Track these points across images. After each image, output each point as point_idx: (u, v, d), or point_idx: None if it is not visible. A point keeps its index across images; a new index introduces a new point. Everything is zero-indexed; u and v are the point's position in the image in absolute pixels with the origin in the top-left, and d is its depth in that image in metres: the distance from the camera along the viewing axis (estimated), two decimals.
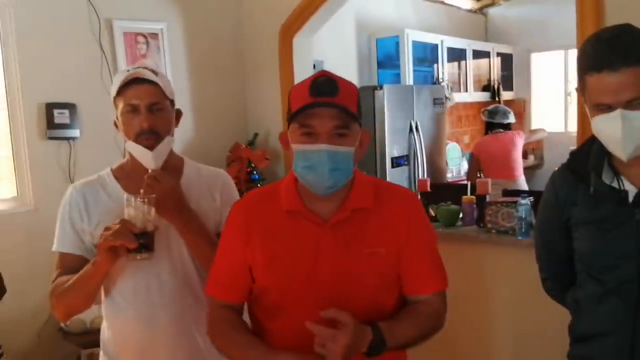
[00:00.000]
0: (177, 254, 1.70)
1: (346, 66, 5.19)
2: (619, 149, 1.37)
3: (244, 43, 4.36)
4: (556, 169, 1.65)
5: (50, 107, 3.27)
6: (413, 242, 1.43)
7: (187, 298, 1.71)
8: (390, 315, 1.41)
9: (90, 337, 3.27)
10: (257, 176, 4.13)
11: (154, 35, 3.79)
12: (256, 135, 4.28)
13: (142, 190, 1.58)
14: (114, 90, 1.66)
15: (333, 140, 1.32)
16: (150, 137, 1.63)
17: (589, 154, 1.50)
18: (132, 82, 1.62)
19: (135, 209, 1.50)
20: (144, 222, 1.49)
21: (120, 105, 1.64)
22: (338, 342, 1.24)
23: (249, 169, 4.13)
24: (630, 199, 1.42)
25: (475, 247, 3.17)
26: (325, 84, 1.33)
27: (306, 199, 1.42)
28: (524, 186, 5.03)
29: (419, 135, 4.80)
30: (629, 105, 1.32)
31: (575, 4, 3.03)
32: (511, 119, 5.14)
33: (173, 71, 3.83)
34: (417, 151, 4.80)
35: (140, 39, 3.72)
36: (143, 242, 1.48)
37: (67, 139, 3.36)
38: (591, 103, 1.39)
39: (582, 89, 1.42)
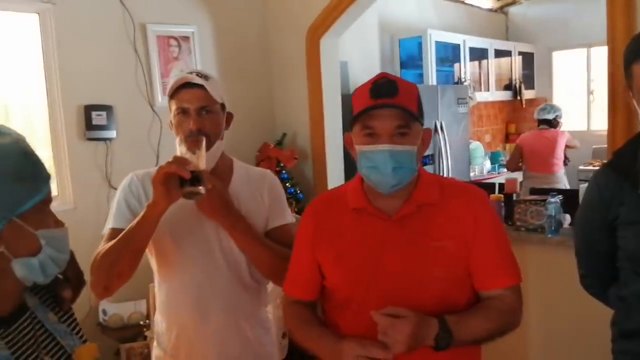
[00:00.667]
0: (228, 249, 1.76)
1: (369, 67, 5.24)
2: None
3: (270, 45, 4.44)
4: (598, 168, 1.67)
5: (88, 109, 3.37)
6: (480, 236, 1.44)
7: (237, 291, 1.78)
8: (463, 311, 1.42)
9: (128, 332, 3.38)
10: (285, 175, 4.19)
11: (185, 39, 3.88)
12: (284, 135, 4.35)
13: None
14: (168, 94, 1.74)
15: (394, 139, 1.36)
16: (199, 139, 1.68)
17: (636, 153, 1.51)
18: (183, 86, 1.70)
19: (187, 149, 1.56)
20: (195, 160, 1.54)
21: (173, 107, 1.72)
22: (400, 331, 1.27)
23: (277, 169, 4.19)
24: None
25: None
26: (385, 86, 1.38)
27: (372, 197, 1.47)
28: (563, 180, 5.19)
29: (444, 134, 4.85)
30: None
31: (603, 2, 3.04)
32: (543, 115, 5.25)
33: None
34: (442, 151, 4.85)
35: (173, 42, 3.81)
36: (195, 175, 1.51)
37: (104, 139, 3.45)
38: None
39: (629, 83, 1.45)
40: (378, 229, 1.44)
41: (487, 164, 6.35)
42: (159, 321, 1.86)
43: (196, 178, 1.52)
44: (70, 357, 1.16)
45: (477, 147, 6.17)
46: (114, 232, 1.68)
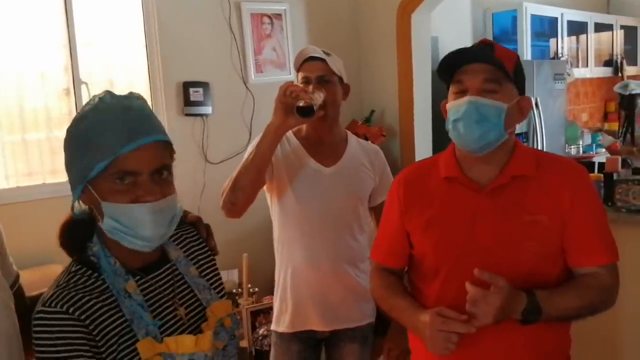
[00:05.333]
0: (345, 208, 2.03)
1: (460, 42, 5.09)
2: None
3: (361, 21, 4.42)
4: None
5: (186, 86, 3.51)
6: (577, 211, 1.40)
7: (345, 244, 2.04)
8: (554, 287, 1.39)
9: None
10: None
11: (278, 16, 3.95)
12: (372, 112, 4.35)
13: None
14: (295, 66, 2.05)
15: (482, 94, 1.36)
16: (322, 90, 1.94)
17: None
18: (309, 60, 1.99)
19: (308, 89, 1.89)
20: (313, 98, 1.82)
21: (299, 77, 2.02)
22: (490, 303, 1.27)
23: None
24: None
25: None
26: (482, 45, 1.41)
27: (464, 166, 1.46)
28: None
29: (539, 111, 4.67)
30: None
31: None
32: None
33: (294, 50, 3.97)
34: (537, 128, 4.68)
35: (266, 19, 3.89)
36: (309, 104, 1.78)
37: (201, 115, 3.59)
38: None
39: None
40: (470, 199, 1.43)
41: (584, 143, 6.05)
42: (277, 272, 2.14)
43: (310, 105, 1.78)
44: (205, 309, 1.20)
45: (573, 125, 5.89)
46: None
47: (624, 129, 5.37)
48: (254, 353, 3.13)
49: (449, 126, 1.43)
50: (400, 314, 1.51)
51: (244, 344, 3.15)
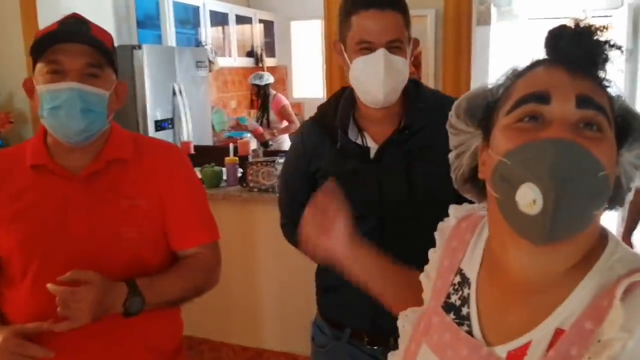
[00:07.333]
0: None
1: (102, 24, 4.80)
2: (376, 90, 1.40)
3: None
4: (305, 120, 1.72)
5: None
6: (176, 194, 1.38)
7: None
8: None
9: None
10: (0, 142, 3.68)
11: None
12: None
13: None
14: None
15: (84, 79, 1.24)
16: None
17: (337, 109, 1.54)
18: None
19: None
20: None
21: None
22: (81, 300, 1.16)
23: None
24: (372, 155, 1.50)
25: (239, 206, 3.26)
26: (76, 22, 1.25)
27: (55, 153, 1.32)
28: None
29: (183, 98, 4.72)
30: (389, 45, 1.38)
31: None
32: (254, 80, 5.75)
33: None
34: (182, 114, 4.72)
35: None
36: None
37: None
38: (354, 43, 1.41)
39: (344, 35, 1.44)
40: (61, 188, 1.30)
41: (230, 129, 6.38)
42: None
43: None
44: None
45: (219, 112, 6.16)
46: None
47: (262, 115, 5.84)
48: None
49: (45, 113, 1.26)
50: None
51: None
